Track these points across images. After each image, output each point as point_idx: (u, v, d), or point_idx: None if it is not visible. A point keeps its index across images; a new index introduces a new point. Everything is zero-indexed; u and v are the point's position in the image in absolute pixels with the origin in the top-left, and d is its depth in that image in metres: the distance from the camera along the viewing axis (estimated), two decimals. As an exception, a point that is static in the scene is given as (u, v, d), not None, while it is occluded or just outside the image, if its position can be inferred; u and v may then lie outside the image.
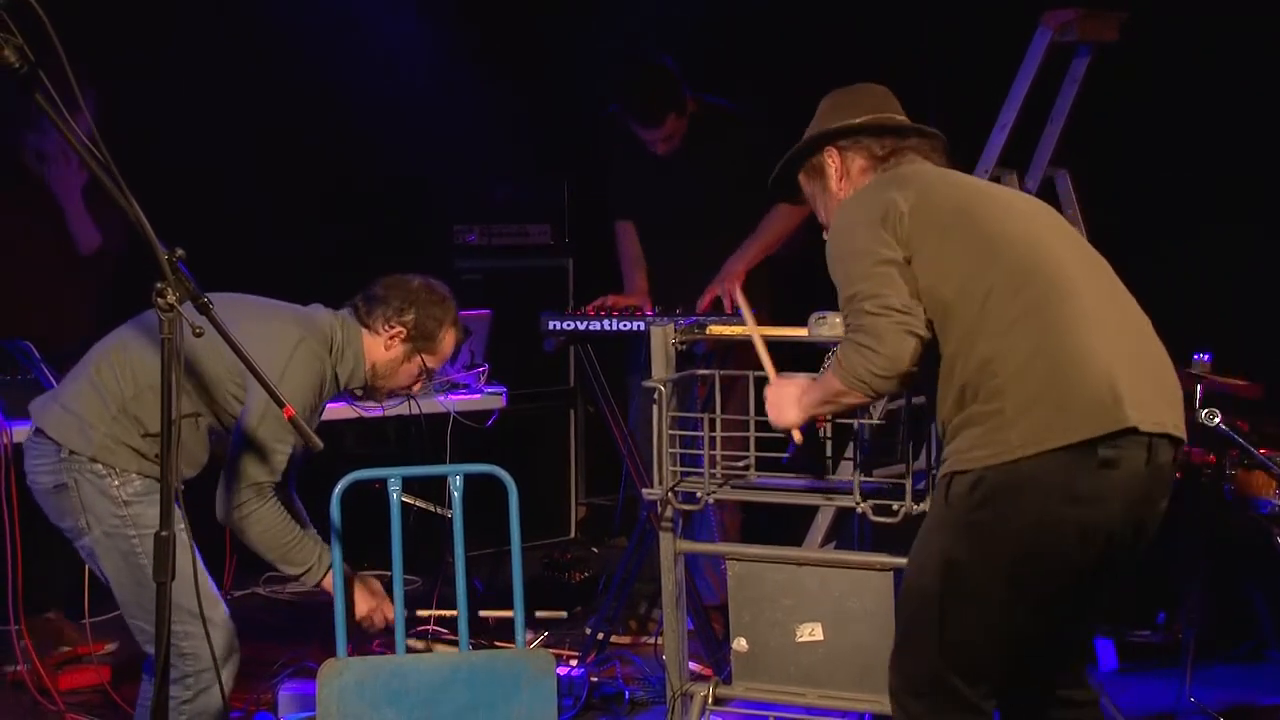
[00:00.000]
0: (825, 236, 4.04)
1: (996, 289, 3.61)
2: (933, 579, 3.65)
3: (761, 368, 4.40)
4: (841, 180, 4.02)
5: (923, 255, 3.67)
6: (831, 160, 4.03)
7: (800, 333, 4.40)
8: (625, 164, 6.60)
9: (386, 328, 4.66)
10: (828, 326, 4.35)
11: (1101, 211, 5.78)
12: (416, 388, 4.81)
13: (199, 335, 3.66)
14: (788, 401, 3.99)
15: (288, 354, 4.43)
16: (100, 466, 4.40)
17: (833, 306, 4.28)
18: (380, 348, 4.68)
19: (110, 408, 4.41)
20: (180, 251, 3.48)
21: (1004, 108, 5.79)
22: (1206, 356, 5.36)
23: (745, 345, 5.68)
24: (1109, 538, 3.56)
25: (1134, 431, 3.51)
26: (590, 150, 7.15)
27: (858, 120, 4.02)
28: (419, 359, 4.68)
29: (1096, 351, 3.56)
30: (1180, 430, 3.64)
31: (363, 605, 4.61)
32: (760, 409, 4.42)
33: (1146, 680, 5.70)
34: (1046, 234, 3.78)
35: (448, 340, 4.75)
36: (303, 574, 4.50)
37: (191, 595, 4.28)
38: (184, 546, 4.30)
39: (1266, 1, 6.76)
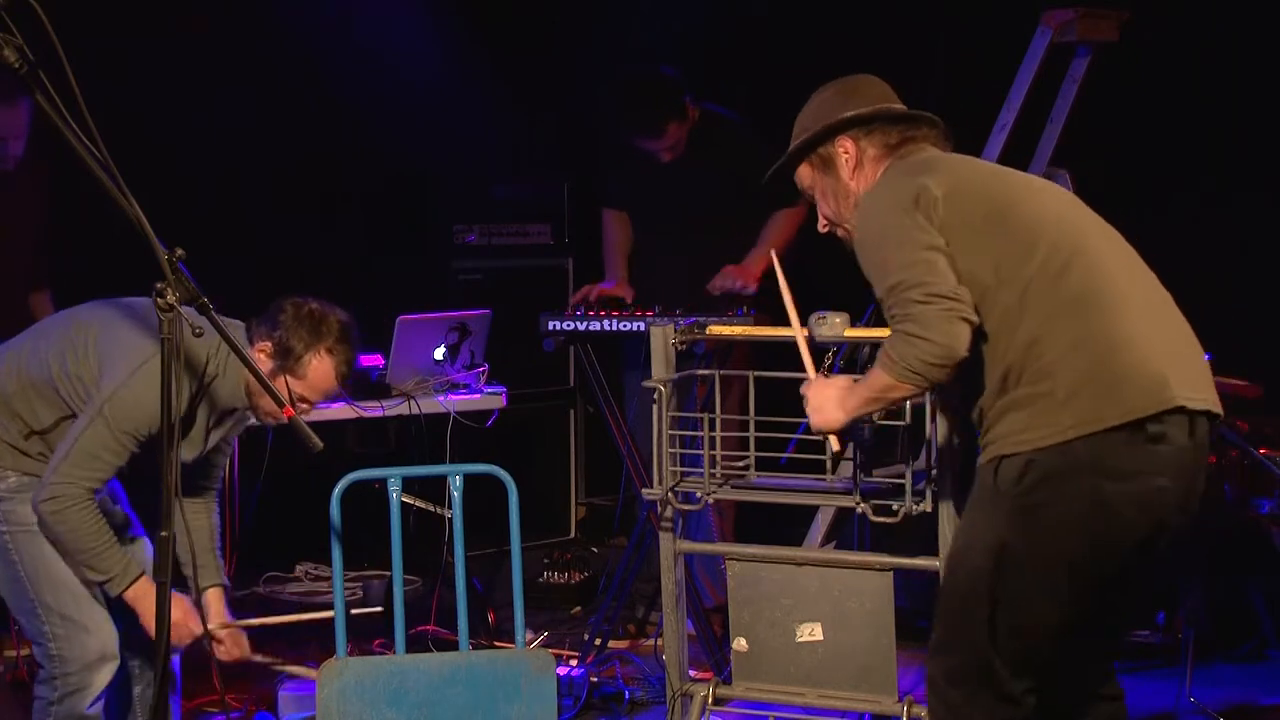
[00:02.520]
0: (822, 229, 4.04)
1: (1038, 271, 3.62)
2: (985, 565, 3.63)
3: (761, 368, 4.42)
4: (855, 170, 3.96)
5: (960, 239, 3.65)
6: (845, 150, 3.96)
7: (800, 332, 4.37)
8: (623, 162, 6.60)
9: (258, 344, 4.44)
10: (828, 326, 4.34)
11: (1101, 212, 5.78)
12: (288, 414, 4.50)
13: (199, 335, 3.66)
14: (830, 403, 3.85)
15: (134, 367, 4.26)
16: None
17: (831, 306, 4.30)
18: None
19: None
20: (180, 252, 3.48)
21: (1004, 108, 5.80)
22: (1206, 356, 5.36)
23: (744, 345, 5.72)
24: (1161, 512, 3.59)
25: (1180, 409, 3.55)
26: (590, 150, 7.15)
27: (869, 109, 3.97)
28: (284, 380, 4.42)
29: (1140, 333, 3.60)
30: (1218, 406, 3.69)
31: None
32: (760, 409, 4.44)
33: (1146, 680, 5.66)
34: (1074, 214, 3.80)
35: (315, 366, 4.43)
36: (105, 582, 4.34)
37: (65, 596, 4.35)
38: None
39: (1266, 1, 6.77)
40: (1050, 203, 3.81)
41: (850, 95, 4.02)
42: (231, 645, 4.60)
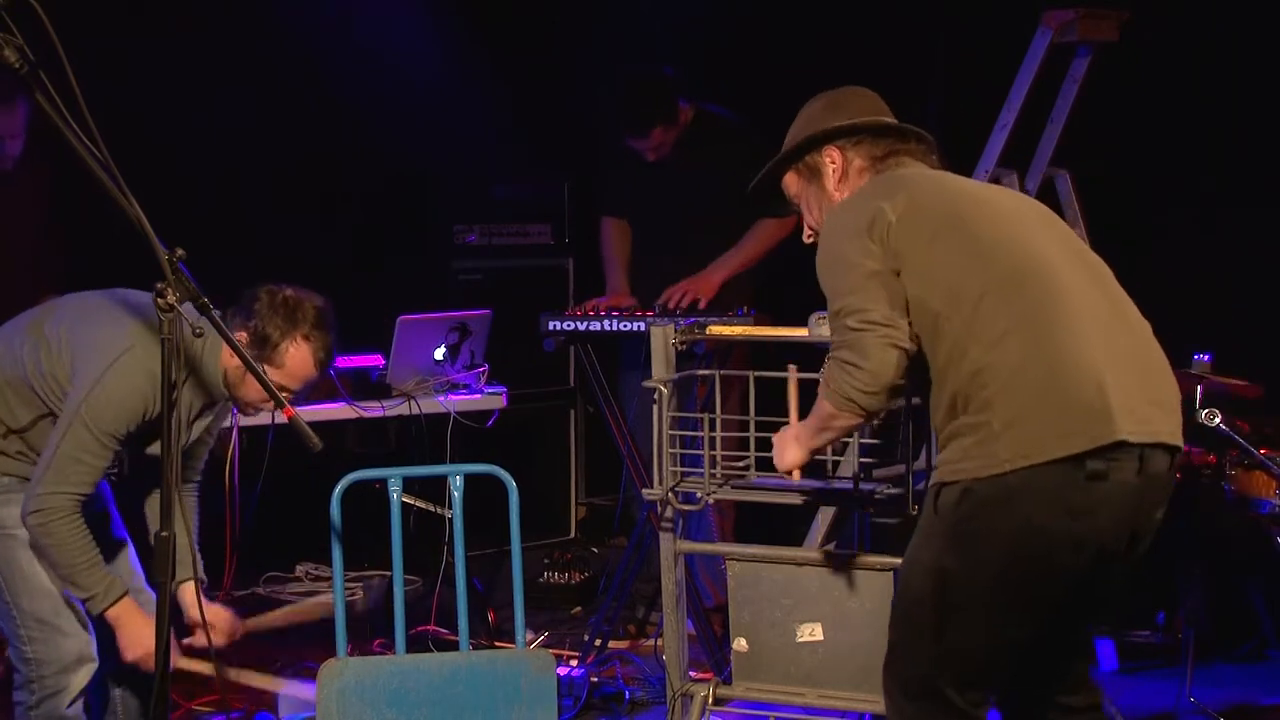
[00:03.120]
0: (807, 239, 4.03)
1: (988, 297, 3.58)
2: (924, 586, 3.64)
3: (761, 368, 4.44)
4: (840, 180, 3.97)
5: (911, 264, 3.63)
6: (831, 159, 3.97)
7: (800, 333, 4.39)
8: (622, 163, 6.61)
9: (234, 333, 4.28)
10: (827, 327, 4.34)
11: (1102, 212, 5.79)
12: (269, 404, 4.46)
13: (199, 335, 3.67)
14: (786, 442, 3.96)
15: (107, 363, 4.22)
16: None
17: (820, 308, 4.30)
18: (227, 354, 4.35)
19: None
20: (180, 251, 3.49)
21: (1004, 108, 5.79)
22: (1206, 357, 5.36)
23: (744, 346, 5.73)
24: (1100, 549, 3.54)
25: (1124, 444, 3.48)
26: (590, 150, 7.16)
27: (858, 120, 3.98)
28: (261, 369, 4.23)
29: (1089, 360, 3.53)
30: (1176, 438, 3.61)
31: (135, 650, 4.34)
32: (760, 409, 4.45)
33: (1147, 680, 5.73)
34: (1039, 238, 3.74)
35: (293, 354, 4.38)
36: (87, 599, 4.30)
37: (41, 601, 4.33)
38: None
39: (1266, 1, 6.77)
40: (1014, 228, 3.74)
41: (840, 106, 4.03)
42: (222, 628, 4.54)
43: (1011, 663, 3.71)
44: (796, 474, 4.07)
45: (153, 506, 4.63)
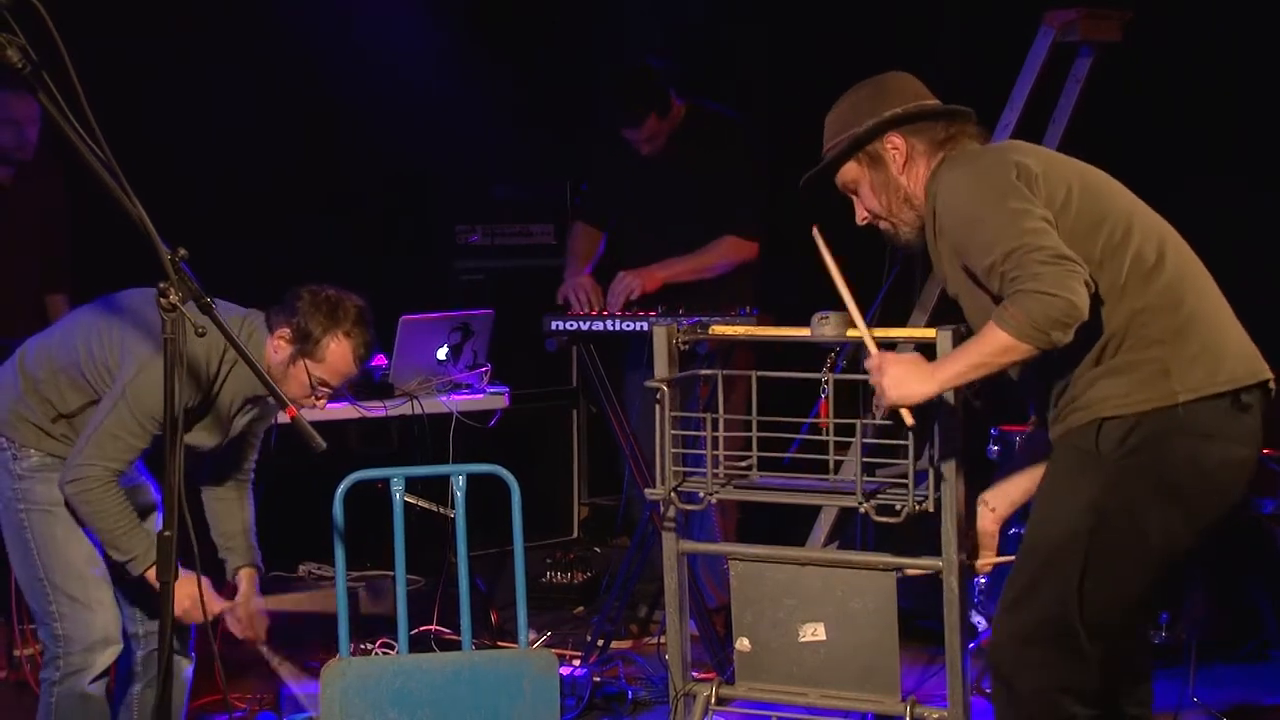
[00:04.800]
0: (861, 221, 4.13)
1: (1139, 248, 3.80)
2: (1079, 524, 3.78)
3: (764, 368, 4.43)
4: (905, 165, 4.04)
5: (1063, 216, 3.78)
6: (894, 146, 4.03)
7: (803, 332, 4.39)
8: (611, 169, 6.60)
9: (277, 330, 4.56)
10: (830, 326, 4.35)
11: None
12: (312, 401, 4.61)
13: (201, 335, 3.69)
14: (914, 375, 3.89)
15: (151, 354, 4.34)
16: (3, 440, 4.57)
17: (824, 307, 4.31)
18: (272, 350, 4.56)
19: (19, 387, 4.56)
20: (183, 251, 3.52)
21: (1006, 108, 5.81)
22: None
23: (747, 346, 5.73)
24: (1244, 480, 3.83)
25: (1263, 384, 3.83)
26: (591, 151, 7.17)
27: (914, 106, 4.05)
28: (303, 365, 4.53)
29: (1227, 311, 3.89)
30: (1272, 378, 3.90)
31: (182, 603, 4.45)
32: (762, 409, 4.45)
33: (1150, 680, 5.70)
34: (1142, 204, 3.98)
35: (333, 349, 4.53)
36: (128, 561, 4.45)
37: (72, 579, 4.49)
38: (71, 527, 4.51)
39: (1268, 1, 6.78)
40: (1125, 193, 3.97)
41: (889, 93, 4.09)
42: (247, 624, 4.71)
43: (1139, 615, 3.96)
44: (908, 415, 3.96)
45: (210, 505, 4.84)
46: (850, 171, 4.10)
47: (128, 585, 4.63)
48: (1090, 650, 3.78)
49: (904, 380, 3.89)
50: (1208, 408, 3.73)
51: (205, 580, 4.47)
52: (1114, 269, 3.77)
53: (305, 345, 4.51)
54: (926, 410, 3.99)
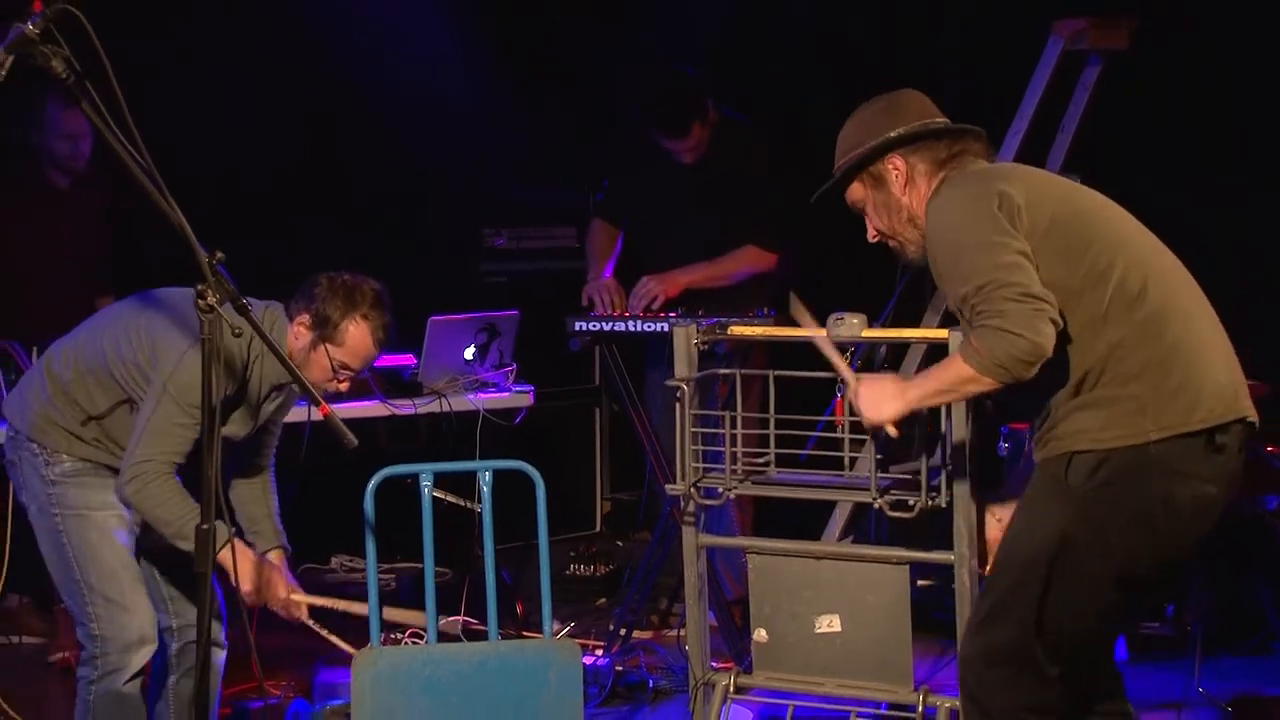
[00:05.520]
0: (871, 238, 4.13)
1: (1123, 277, 3.76)
2: (1044, 552, 3.77)
3: (781, 368, 4.49)
4: (906, 186, 4.03)
5: (1043, 247, 3.76)
6: (894, 167, 4.03)
7: (819, 333, 4.36)
8: (636, 170, 6.63)
9: (297, 317, 4.57)
10: (845, 327, 4.41)
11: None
12: (335, 384, 4.62)
13: (238, 335, 3.78)
14: (885, 396, 3.93)
15: (188, 344, 4.37)
16: (35, 445, 4.57)
17: (826, 308, 4.38)
18: (293, 337, 4.57)
19: (47, 390, 4.57)
20: (220, 254, 3.59)
21: (1016, 116, 5.81)
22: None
23: (764, 346, 5.79)
24: (1211, 518, 3.80)
25: (1241, 420, 3.77)
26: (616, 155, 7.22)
27: (914, 127, 4.04)
28: (324, 349, 4.53)
29: (1209, 339, 3.82)
30: (1254, 415, 3.85)
31: (247, 583, 4.56)
32: (779, 407, 4.51)
33: (1156, 671, 5.74)
34: (1131, 227, 3.94)
35: (352, 333, 4.54)
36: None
37: (108, 580, 4.51)
38: (105, 530, 4.55)
39: (1274, 8, 6.80)
40: (1116, 219, 3.94)
41: (894, 113, 4.08)
42: (292, 607, 4.73)
43: (1104, 637, 3.94)
44: (892, 428, 3.97)
45: (236, 492, 4.85)
46: (856, 191, 4.12)
47: (161, 580, 4.70)
48: (1050, 671, 3.79)
49: (876, 401, 3.94)
50: (1180, 446, 3.70)
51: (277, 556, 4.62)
52: (1095, 298, 3.75)
53: (325, 330, 4.52)
54: (911, 421, 4.04)
